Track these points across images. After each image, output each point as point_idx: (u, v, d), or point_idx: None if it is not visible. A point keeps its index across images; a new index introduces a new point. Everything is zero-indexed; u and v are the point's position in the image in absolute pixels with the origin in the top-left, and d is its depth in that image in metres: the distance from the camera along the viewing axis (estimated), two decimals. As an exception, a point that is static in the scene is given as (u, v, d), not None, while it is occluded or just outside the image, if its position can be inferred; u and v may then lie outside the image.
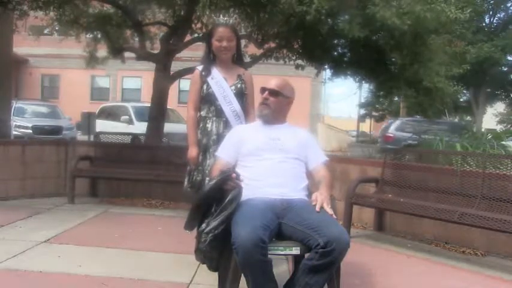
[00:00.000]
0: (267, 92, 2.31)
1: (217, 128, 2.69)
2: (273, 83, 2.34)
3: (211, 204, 2.01)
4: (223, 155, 2.34)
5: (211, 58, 2.76)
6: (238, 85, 2.74)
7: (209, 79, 2.70)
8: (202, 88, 2.71)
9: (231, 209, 1.93)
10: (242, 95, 2.75)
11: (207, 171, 2.63)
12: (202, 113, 2.76)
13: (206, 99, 2.72)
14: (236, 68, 2.80)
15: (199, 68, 2.77)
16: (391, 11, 5.60)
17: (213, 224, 1.92)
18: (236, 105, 2.69)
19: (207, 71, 2.72)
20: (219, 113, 2.70)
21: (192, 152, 2.69)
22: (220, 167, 2.24)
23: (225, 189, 1.98)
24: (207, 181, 2.56)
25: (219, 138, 2.63)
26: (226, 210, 1.93)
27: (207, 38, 2.80)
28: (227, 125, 2.68)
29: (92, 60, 9.47)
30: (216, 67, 2.74)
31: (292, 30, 6.42)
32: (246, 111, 2.76)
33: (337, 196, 3.05)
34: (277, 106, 2.33)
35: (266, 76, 2.52)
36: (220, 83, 2.69)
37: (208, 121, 2.72)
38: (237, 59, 2.82)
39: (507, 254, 3.43)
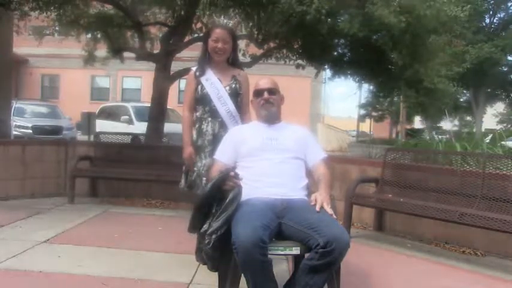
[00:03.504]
0: (266, 92, 2.32)
1: (212, 128, 2.70)
2: (265, 82, 2.36)
3: (211, 204, 2.01)
4: (221, 157, 2.33)
5: (207, 58, 2.76)
6: (233, 85, 2.74)
7: (203, 80, 2.70)
8: (197, 89, 2.72)
9: (231, 209, 1.92)
10: (237, 95, 2.75)
11: (202, 172, 2.65)
12: (198, 114, 2.76)
13: (201, 100, 2.73)
14: (231, 69, 2.81)
15: (194, 68, 2.78)
16: (389, 10, 5.61)
17: (216, 225, 1.91)
18: (231, 105, 2.69)
19: (201, 71, 2.73)
20: (214, 114, 2.70)
21: (186, 152, 2.70)
22: (218, 168, 2.24)
23: (224, 189, 1.98)
24: (204, 181, 2.57)
25: (215, 138, 2.64)
26: (227, 211, 1.92)
27: (205, 38, 2.80)
28: (222, 125, 2.68)
29: (90, 59, 9.47)
30: (211, 68, 2.74)
31: (292, 30, 6.43)
32: (242, 111, 2.77)
33: (337, 196, 3.05)
34: (279, 103, 2.36)
35: (266, 76, 2.52)
36: (215, 84, 2.70)
37: (203, 122, 2.72)
38: (233, 61, 2.82)
39: (507, 254, 3.43)
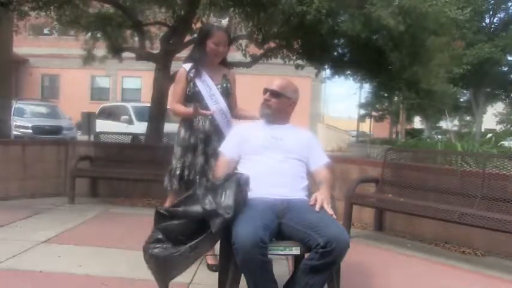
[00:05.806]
0: (268, 93, 2.33)
1: (203, 126, 2.71)
2: (275, 84, 2.34)
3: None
4: (227, 151, 2.34)
5: (202, 58, 2.73)
6: (224, 84, 2.77)
7: (196, 78, 2.70)
8: (189, 87, 2.72)
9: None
10: (228, 94, 2.78)
11: (198, 170, 2.69)
12: None
13: (192, 98, 2.71)
14: (221, 68, 2.83)
15: (185, 66, 2.76)
16: (388, 11, 5.60)
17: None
18: (222, 103, 2.71)
19: (195, 70, 2.72)
20: None
21: (190, 109, 2.58)
22: (224, 164, 2.28)
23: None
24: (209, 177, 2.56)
25: (206, 136, 2.68)
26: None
27: (202, 37, 2.74)
28: (213, 123, 2.70)
29: (90, 58, 9.47)
30: (203, 67, 2.74)
31: (292, 30, 6.43)
32: (231, 109, 2.80)
33: (337, 196, 3.05)
34: (278, 107, 2.33)
35: (266, 76, 2.52)
36: (207, 82, 2.71)
37: (194, 119, 2.72)
38: (223, 61, 2.83)
39: (507, 254, 3.43)
